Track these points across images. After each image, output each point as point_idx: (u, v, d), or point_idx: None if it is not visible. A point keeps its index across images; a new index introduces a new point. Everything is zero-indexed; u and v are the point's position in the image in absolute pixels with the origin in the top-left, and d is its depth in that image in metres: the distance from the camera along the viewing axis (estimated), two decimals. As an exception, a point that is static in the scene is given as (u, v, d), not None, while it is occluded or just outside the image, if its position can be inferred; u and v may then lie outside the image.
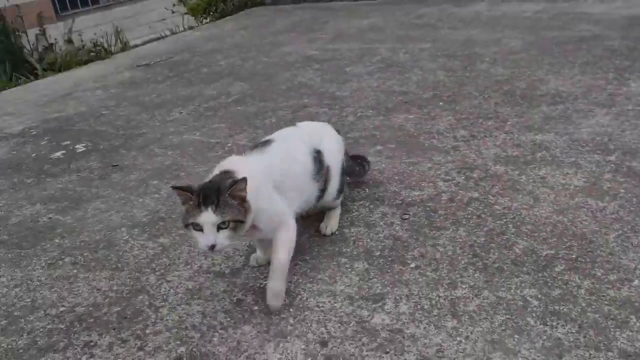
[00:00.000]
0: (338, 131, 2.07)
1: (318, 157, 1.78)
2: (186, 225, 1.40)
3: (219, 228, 1.35)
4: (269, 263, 1.61)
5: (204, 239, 1.35)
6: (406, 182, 2.22)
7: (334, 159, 1.86)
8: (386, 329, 1.45)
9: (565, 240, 1.72)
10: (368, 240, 1.85)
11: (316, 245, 1.85)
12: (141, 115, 3.49)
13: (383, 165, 2.39)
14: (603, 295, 1.47)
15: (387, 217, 1.97)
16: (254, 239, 1.74)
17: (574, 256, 1.63)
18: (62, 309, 1.69)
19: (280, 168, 1.65)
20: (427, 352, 1.35)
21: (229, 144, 2.83)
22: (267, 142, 1.74)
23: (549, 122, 2.61)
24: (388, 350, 1.38)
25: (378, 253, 1.77)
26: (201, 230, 1.35)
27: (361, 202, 2.10)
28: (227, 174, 1.47)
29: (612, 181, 2.03)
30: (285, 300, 1.57)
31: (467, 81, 3.36)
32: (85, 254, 1.97)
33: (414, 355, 1.35)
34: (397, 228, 1.90)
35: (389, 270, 1.68)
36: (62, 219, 2.26)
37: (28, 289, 1.81)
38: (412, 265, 1.69)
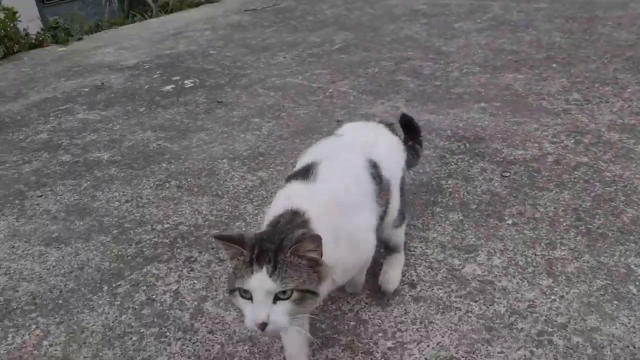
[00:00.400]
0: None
1: (375, 170, 1.29)
2: (231, 291, 0.98)
3: (277, 298, 0.94)
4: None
5: (251, 312, 0.93)
6: (509, 140, 2.15)
7: (394, 171, 1.38)
8: (477, 279, 1.44)
9: (683, 214, 1.61)
10: (465, 193, 1.82)
11: (411, 193, 1.85)
12: (246, 57, 3.57)
13: (486, 122, 2.32)
14: None
15: (487, 173, 1.93)
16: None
17: (691, 231, 1.54)
18: (166, 225, 1.81)
19: (344, 196, 1.18)
20: (518, 306, 1.33)
21: (331, 90, 2.85)
22: (312, 166, 1.23)
23: (675, 92, 2.42)
24: (477, 299, 1.37)
25: (474, 206, 1.74)
26: (250, 299, 0.94)
27: (460, 156, 2.06)
28: (295, 215, 1.07)
29: None
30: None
31: (585, 44, 3.16)
32: (189, 180, 2.09)
33: (503, 307, 1.34)
34: (496, 184, 1.86)
35: (484, 224, 1.65)
36: (170, 146, 2.39)
37: (137, 205, 1.95)
38: (509, 221, 1.66)
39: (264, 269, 0.92)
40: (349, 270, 1.16)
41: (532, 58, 3.04)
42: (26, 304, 1.50)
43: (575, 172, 1.88)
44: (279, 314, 0.93)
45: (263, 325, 0.91)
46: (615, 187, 1.77)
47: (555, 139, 2.12)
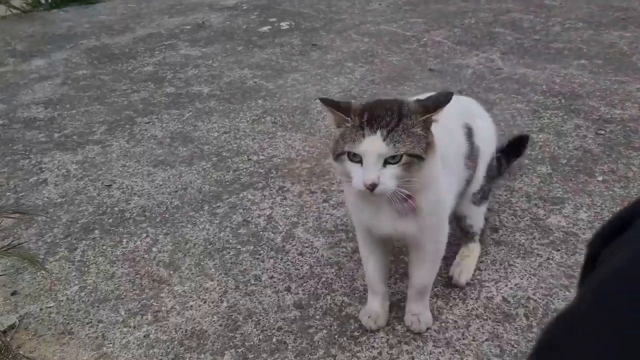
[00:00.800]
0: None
1: (470, 135, 1.27)
2: (337, 155, 1.00)
3: (387, 162, 0.96)
4: (388, 315, 1.26)
5: (361, 175, 0.95)
6: (608, 99, 2.08)
7: (486, 144, 1.34)
8: (561, 230, 1.46)
9: None
10: (556, 147, 1.81)
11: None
12: (341, 2, 3.58)
13: (585, 79, 2.25)
14: None
15: (581, 130, 1.90)
16: (396, 232, 1.11)
17: None
18: (262, 157, 1.92)
19: (441, 140, 1.09)
20: (601, 258, 1.35)
21: (425, 39, 2.83)
22: None
23: None
24: (559, 248, 1.40)
25: (564, 161, 1.74)
26: (360, 162, 0.96)
27: (554, 112, 2.03)
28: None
29: None
30: (431, 325, 1.23)
31: None
32: (283, 117, 2.18)
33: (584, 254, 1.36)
34: (589, 141, 1.83)
35: (573, 179, 1.65)
36: (266, 84, 2.49)
37: (235, 136, 2.07)
38: (600, 178, 1.64)
39: (378, 133, 0.94)
40: (430, 205, 1.09)
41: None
42: (137, 215, 1.67)
43: (677, 135, 1.82)
44: (388, 176, 0.95)
45: (373, 186, 0.93)
46: None
47: (658, 100, 2.04)
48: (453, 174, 1.19)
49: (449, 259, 1.33)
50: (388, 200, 1.00)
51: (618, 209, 1.50)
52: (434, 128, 1.02)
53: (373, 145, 0.94)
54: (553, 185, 1.63)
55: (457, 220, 1.37)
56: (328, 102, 1.02)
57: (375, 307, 1.23)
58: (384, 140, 0.94)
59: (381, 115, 0.96)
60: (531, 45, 2.64)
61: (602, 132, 1.88)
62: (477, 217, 1.38)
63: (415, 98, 1.05)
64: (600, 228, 0.40)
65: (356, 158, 0.96)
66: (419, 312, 1.21)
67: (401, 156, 0.95)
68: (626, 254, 0.35)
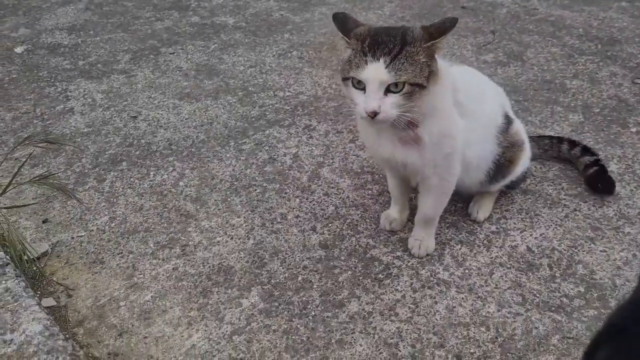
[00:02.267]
0: None
1: (507, 118, 1.25)
2: (345, 79, 1.01)
3: (388, 90, 0.96)
4: (405, 223, 1.33)
5: (363, 102, 0.96)
6: (648, 46, 2.01)
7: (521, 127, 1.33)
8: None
9: None
10: (589, 95, 1.77)
11: (532, 89, 1.81)
12: None
13: (625, 23, 2.17)
14: None
15: (616, 78, 1.85)
16: (400, 160, 1.11)
17: None
18: (288, 93, 1.90)
19: (469, 92, 1.14)
20: (628, 212, 1.34)
21: None
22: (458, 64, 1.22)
23: None
24: (587, 200, 1.40)
25: (597, 110, 1.70)
26: (363, 89, 0.97)
27: (590, 57, 1.97)
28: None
29: None
30: (431, 252, 1.28)
31: None
32: (310, 52, 2.14)
33: (613, 211, 1.35)
34: (624, 90, 1.78)
35: (605, 129, 1.62)
36: (292, 17, 2.43)
37: (261, 71, 2.04)
38: (633, 130, 1.61)
39: (381, 60, 0.94)
40: (436, 138, 1.08)
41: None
42: (164, 148, 1.67)
43: None
44: (389, 105, 0.95)
45: (374, 114, 0.95)
46: None
47: (700, 49, 1.97)
48: (476, 126, 1.16)
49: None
50: (391, 127, 1.02)
51: (650, 162, 1.47)
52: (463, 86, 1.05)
53: (375, 72, 0.94)
54: (585, 134, 1.60)
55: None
56: (338, 20, 1.02)
57: (393, 212, 1.32)
58: (387, 67, 0.94)
59: (384, 42, 0.95)
60: (570, -16, 2.53)
61: (639, 80, 1.82)
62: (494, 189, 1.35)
63: (420, 25, 1.01)
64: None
65: (360, 85, 0.97)
66: (421, 238, 1.26)
67: (403, 84, 0.95)
68: None
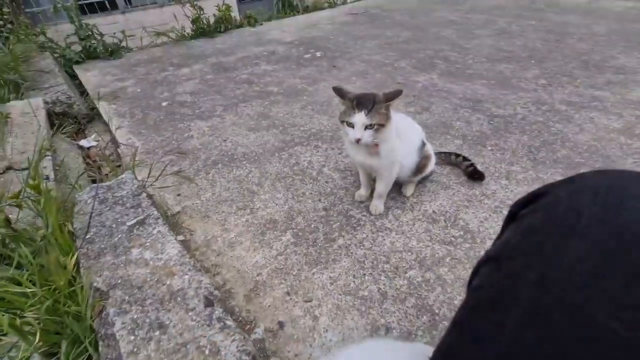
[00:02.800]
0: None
1: (422, 142, 1.21)
2: (342, 121, 1.01)
3: (366, 128, 0.96)
4: (370, 197, 1.28)
5: (353, 134, 0.97)
6: (496, 103, 1.97)
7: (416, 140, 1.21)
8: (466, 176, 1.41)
9: (594, 157, 1.47)
10: (465, 130, 1.73)
11: (434, 127, 1.78)
12: (350, 42, 3.36)
13: (484, 92, 2.13)
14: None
15: (480, 120, 1.81)
16: (367, 163, 1.11)
17: (597, 166, 1.41)
18: (305, 128, 1.86)
19: (403, 127, 1.12)
20: (486, 192, 1.32)
21: (395, 64, 2.67)
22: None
23: (609, 85, 2.08)
24: (464, 185, 1.36)
25: (470, 138, 1.66)
26: (352, 127, 0.97)
27: (466, 109, 1.93)
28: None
29: (642, 130, 1.63)
30: (381, 212, 1.23)
31: (555, 49, 2.72)
32: (317, 106, 2.10)
33: (478, 192, 1.33)
34: (484, 127, 1.75)
35: (473, 148, 1.59)
36: (308, 87, 2.38)
37: (291, 116, 2.00)
38: (489, 148, 1.58)
39: (363, 112, 0.94)
40: (386, 152, 1.06)
41: (519, 56, 2.67)
42: (240, 157, 1.65)
43: (533, 125, 1.73)
44: (367, 135, 0.97)
45: (359, 141, 0.97)
46: (556, 137, 1.62)
47: (524, 106, 1.93)
48: (407, 147, 1.15)
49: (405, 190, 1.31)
50: (364, 146, 1.03)
51: (498, 165, 1.45)
52: (396, 120, 1.02)
53: (360, 118, 0.95)
54: (463, 151, 1.57)
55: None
56: (336, 90, 1.01)
57: (362, 191, 1.30)
58: (366, 116, 0.94)
59: (364, 102, 0.95)
60: (455, 70, 2.49)
61: (492, 122, 1.79)
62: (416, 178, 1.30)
63: (382, 92, 1.00)
64: (521, 197, 0.36)
65: (350, 125, 0.97)
66: (376, 205, 1.24)
67: (374, 125, 0.96)
68: (541, 215, 0.31)
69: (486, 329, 0.24)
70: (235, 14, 4.41)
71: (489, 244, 1.10)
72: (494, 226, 1.17)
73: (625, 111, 1.79)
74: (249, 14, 4.39)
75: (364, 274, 1.03)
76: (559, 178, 1.35)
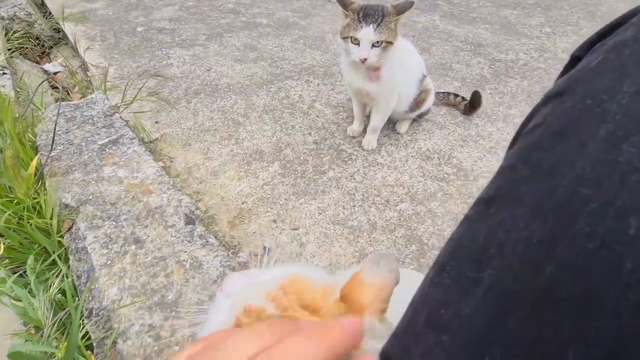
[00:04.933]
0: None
1: (423, 74, 1.13)
2: (344, 38, 0.89)
3: (373, 45, 0.85)
4: (362, 132, 1.21)
5: (358, 52, 0.86)
6: (499, 48, 1.87)
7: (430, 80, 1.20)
8: (462, 116, 1.36)
9: (593, 103, 1.43)
10: (465, 73, 1.65)
11: (434, 68, 1.68)
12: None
13: (487, 36, 2.01)
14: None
15: (480, 64, 1.72)
16: (365, 89, 1.01)
17: (594, 113, 1.38)
18: (296, 62, 1.73)
19: (406, 54, 1.02)
20: (482, 133, 1.28)
21: (395, 2, 2.47)
22: None
23: (614, 36, 2.01)
24: (460, 126, 1.31)
25: (469, 80, 1.59)
26: (358, 44, 0.86)
27: (467, 52, 1.82)
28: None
29: (643, 80, 1.59)
30: (374, 147, 1.18)
31: (563, -2, 2.58)
32: (309, 41, 1.94)
33: (474, 132, 1.28)
34: (485, 70, 1.67)
35: (472, 90, 1.52)
36: (299, 21, 2.19)
37: (281, 49, 1.85)
38: (488, 91, 1.51)
39: (371, 26, 0.83)
40: (388, 75, 0.97)
41: (524, 2, 2.52)
42: (225, 87, 1.52)
43: (535, 72, 1.66)
44: (373, 54, 0.86)
45: (365, 59, 0.86)
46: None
47: (527, 52, 1.84)
48: (407, 75, 1.06)
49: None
50: (364, 70, 0.93)
51: (497, 108, 1.39)
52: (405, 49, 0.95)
53: (367, 34, 0.84)
54: (462, 93, 1.49)
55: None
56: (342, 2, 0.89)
57: (355, 125, 1.21)
58: (374, 31, 0.83)
59: (371, 14, 0.84)
60: (458, 13, 2.32)
61: (493, 66, 1.71)
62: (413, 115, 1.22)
63: (390, 4, 0.89)
64: (586, 40, 0.28)
65: (355, 41, 0.86)
66: (369, 140, 1.17)
67: (382, 42, 0.85)
68: (633, 30, 0.21)
69: (558, 156, 0.18)
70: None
71: (481, 181, 1.08)
72: (488, 165, 1.14)
73: (628, 62, 1.74)
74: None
75: (354, 206, 0.99)
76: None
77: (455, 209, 0.99)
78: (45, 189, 0.82)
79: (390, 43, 0.87)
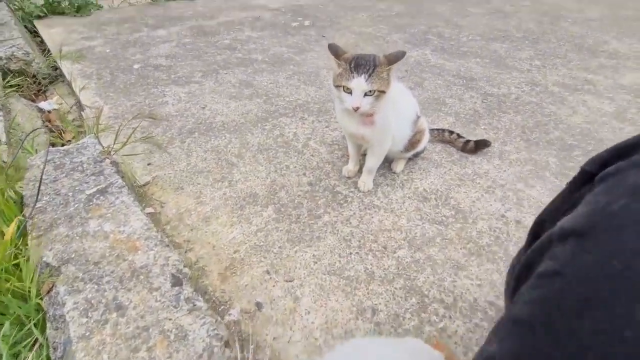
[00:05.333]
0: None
1: (417, 115, 1.12)
2: (337, 86, 0.89)
3: (366, 94, 0.85)
4: (358, 173, 1.20)
5: (351, 101, 0.86)
6: (490, 82, 1.91)
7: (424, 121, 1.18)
8: (458, 153, 1.35)
9: (587, 139, 1.44)
10: (458, 108, 1.67)
11: (427, 104, 1.70)
12: (340, 12, 3.19)
13: (478, 70, 2.05)
14: (601, 174, 1.25)
15: (473, 98, 1.75)
16: (360, 134, 1.01)
17: (589, 149, 1.38)
18: (291, 99, 1.74)
19: (399, 98, 1.01)
20: (479, 171, 1.27)
21: (387, 38, 2.54)
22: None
23: (602, 69, 2.05)
24: (456, 164, 1.30)
25: (463, 116, 1.60)
26: (350, 93, 0.86)
27: (459, 87, 1.86)
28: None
29: (634, 114, 1.61)
30: (370, 189, 1.16)
31: (549, 31, 2.67)
32: (304, 77, 1.97)
33: (470, 170, 1.27)
34: (477, 105, 1.68)
35: (467, 126, 1.53)
36: (294, 57, 2.24)
37: (275, 85, 1.88)
38: (482, 127, 1.52)
39: (362, 76, 0.83)
40: (381, 121, 0.97)
41: (513, 36, 2.60)
42: (220, 126, 1.52)
43: (527, 106, 1.68)
44: (366, 103, 0.86)
45: (357, 108, 0.86)
46: (549, 118, 1.58)
47: (518, 86, 1.87)
48: (401, 118, 1.06)
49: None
50: (358, 115, 0.93)
51: (493, 144, 1.39)
52: (397, 88, 0.93)
53: (359, 83, 0.84)
54: (456, 129, 1.50)
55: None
56: (331, 48, 0.89)
57: (350, 166, 1.20)
58: (366, 81, 0.83)
59: (363, 64, 0.84)
60: (448, 47, 2.39)
61: (486, 100, 1.73)
62: (408, 154, 1.21)
63: (383, 54, 0.90)
64: (599, 154, 0.28)
65: (348, 90, 0.86)
66: (365, 181, 1.15)
67: (374, 91, 0.85)
68: None
69: (589, 332, 0.16)
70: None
71: (481, 224, 1.05)
72: (486, 206, 1.12)
73: (617, 95, 1.77)
74: (233, -23, 4.07)
75: (350, 253, 0.96)
76: (552, 160, 1.33)
77: (455, 255, 0.96)
78: (27, 246, 0.78)
79: (383, 92, 0.87)
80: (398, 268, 0.92)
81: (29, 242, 0.78)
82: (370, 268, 0.92)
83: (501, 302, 0.84)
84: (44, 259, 0.75)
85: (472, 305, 0.84)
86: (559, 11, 3.17)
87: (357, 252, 0.96)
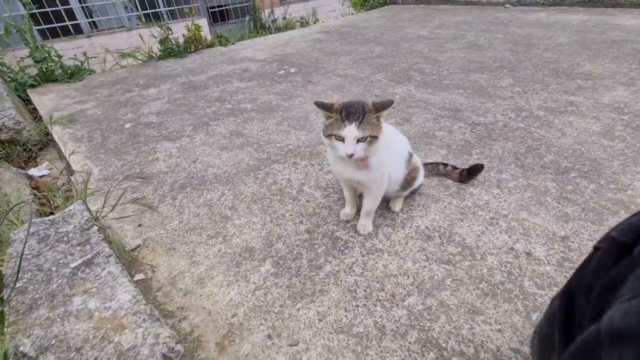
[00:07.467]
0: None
1: (409, 154, 1.12)
2: (328, 136, 0.89)
3: (358, 141, 0.86)
4: (356, 215, 1.18)
5: (344, 148, 0.86)
6: (476, 112, 1.94)
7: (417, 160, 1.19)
8: (456, 185, 1.33)
9: (581, 160, 1.43)
10: (449, 139, 1.68)
11: (417, 138, 1.71)
12: (324, 58, 3.33)
13: (462, 101, 2.10)
14: (603, 195, 1.23)
15: (462, 129, 1.76)
16: (355, 179, 0.99)
17: (585, 169, 1.36)
18: (282, 145, 1.75)
19: (392, 139, 1.01)
20: (479, 203, 1.24)
21: (371, 78, 2.63)
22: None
23: (580, 90, 2.11)
24: (455, 197, 1.27)
25: (454, 147, 1.60)
26: (342, 140, 0.86)
27: (447, 119, 1.88)
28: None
29: (622, 131, 1.63)
30: (370, 232, 1.13)
31: (524, 59, 2.79)
32: (293, 122, 2.00)
33: (470, 203, 1.24)
34: (467, 135, 1.70)
35: (459, 157, 1.52)
36: (283, 103, 2.29)
37: (266, 133, 1.89)
38: (475, 157, 1.52)
39: (353, 124, 0.84)
40: (376, 165, 0.97)
41: (490, 66, 2.71)
42: (212, 178, 1.50)
43: (516, 132, 1.69)
44: (359, 149, 0.86)
45: (351, 155, 0.86)
46: (539, 142, 1.59)
47: (503, 113, 1.91)
48: (395, 159, 1.05)
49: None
50: (352, 161, 0.92)
51: (488, 174, 1.37)
52: (387, 130, 0.92)
53: (351, 131, 0.85)
54: (449, 160, 1.50)
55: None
56: (319, 105, 0.90)
57: (347, 209, 1.17)
58: (357, 128, 0.85)
59: (353, 113, 0.85)
60: (431, 82, 2.47)
61: (475, 130, 1.75)
62: (405, 193, 1.20)
63: (371, 101, 0.91)
64: (628, 222, 0.25)
65: (340, 138, 0.86)
66: (365, 224, 1.12)
67: (367, 137, 0.86)
68: None
69: None
70: (206, 33, 4.32)
71: (490, 260, 1.00)
72: (493, 240, 1.07)
73: (601, 114, 1.80)
74: (219, 34, 4.32)
75: (357, 306, 0.89)
76: (550, 184, 1.31)
77: (468, 298, 0.90)
78: (2, 334, 0.71)
79: (375, 137, 0.87)
80: (410, 318, 0.85)
81: (5, 329, 0.71)
82: (380, 321, 0.85)
83: (527, 349, 0.76)
84: (21, 348, 0.68)
85: (495, 356, 0.76)
86: (530, 40, 3.35)
87: (364, 304, 0.89)
